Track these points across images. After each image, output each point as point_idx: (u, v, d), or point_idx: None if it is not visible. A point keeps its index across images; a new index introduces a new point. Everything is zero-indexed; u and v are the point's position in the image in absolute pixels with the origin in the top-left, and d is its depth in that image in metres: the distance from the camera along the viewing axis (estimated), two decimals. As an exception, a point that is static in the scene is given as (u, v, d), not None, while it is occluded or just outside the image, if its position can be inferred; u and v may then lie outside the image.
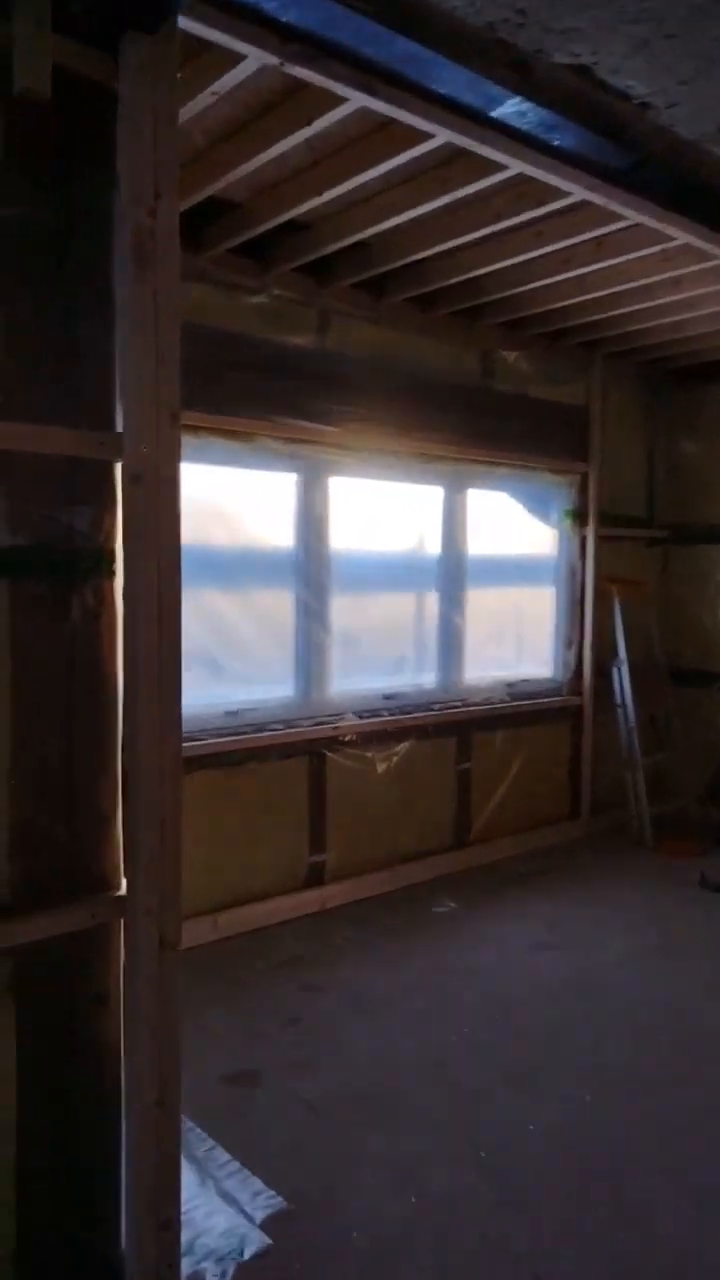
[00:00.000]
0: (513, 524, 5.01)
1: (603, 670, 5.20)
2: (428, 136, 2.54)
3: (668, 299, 4.01)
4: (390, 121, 2.60)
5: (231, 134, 2.71)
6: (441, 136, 2.50)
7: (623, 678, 5.11)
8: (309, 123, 2.47)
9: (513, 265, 3.70)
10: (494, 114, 2.40)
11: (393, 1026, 3.09)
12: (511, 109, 2.37)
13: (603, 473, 5.18)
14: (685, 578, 5.56)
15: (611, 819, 5.27)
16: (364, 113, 2.58)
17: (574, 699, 5.15)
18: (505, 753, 4.84)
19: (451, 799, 4.64)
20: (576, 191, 2.81)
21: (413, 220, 3.28)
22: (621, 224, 3.19)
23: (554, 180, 2.72)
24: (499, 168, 2.74)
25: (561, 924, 3.96)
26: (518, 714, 4.86)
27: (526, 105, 2.34)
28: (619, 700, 5.14)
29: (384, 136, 2.69)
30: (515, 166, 2.65)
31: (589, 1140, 2.49)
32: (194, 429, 3.53)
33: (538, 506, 5.11)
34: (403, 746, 4.38)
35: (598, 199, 2.83)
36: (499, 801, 4.82)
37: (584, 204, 3.14)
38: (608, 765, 5.25)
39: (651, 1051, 2.93)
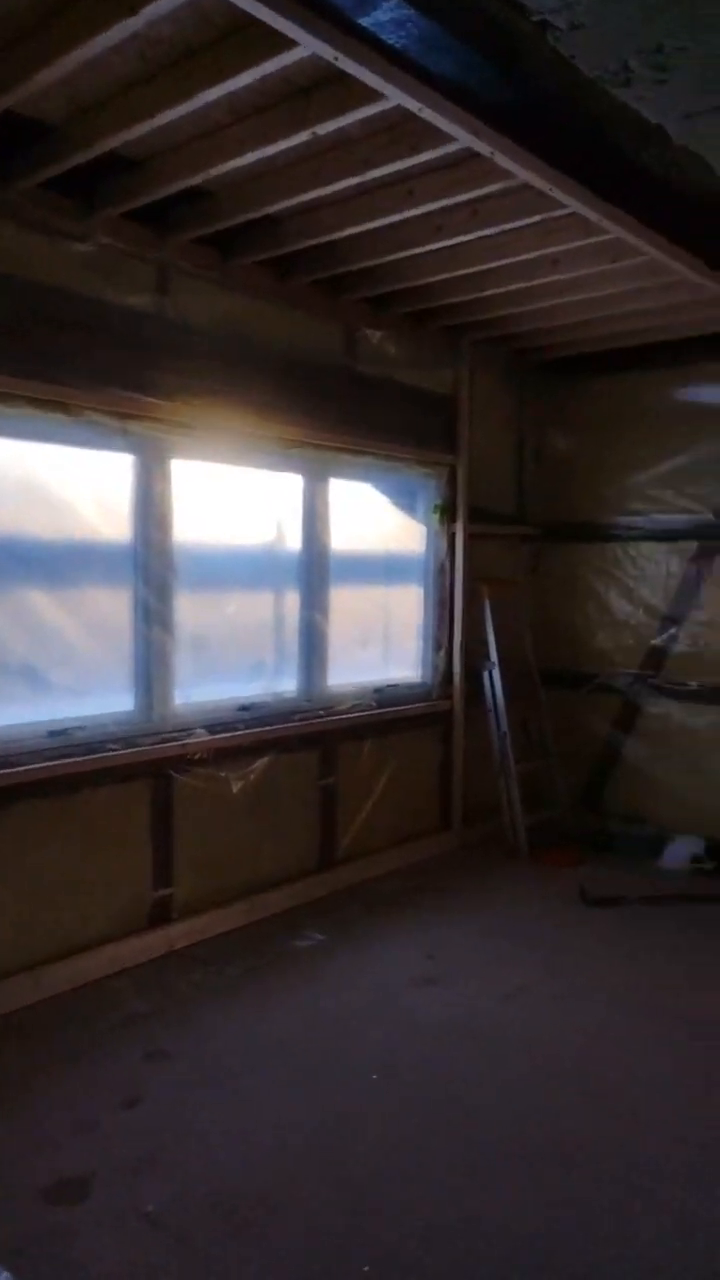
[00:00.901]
0: (378, 518, 4.66)
1: (474, 673, 4.94)
2: (287, 46, 2.11)
3: (544, 279, 3.74)
4: (240, 26, 2.16)
5: (38, 25, 2.18)
6: (303, 46, 2.07)
7: (494, 681, 4.86)
8: (134, 10, 1.98)
9: (379, 229, 3.32)
10: (366, 20, 2.00)
11: (253, 1101, 2.65)
12: (388, 15, 1.98)
13: (472, 466, 4.91)
14: (556, 577, 5.38)
15: (485, 829, 5.02)
16: (203, 12, 2.13)
17: (444, 704, 4.85)
18: (373, 763, 4.48)
19: (315, 817, 4.24)
20: (460, 136, 2.44)
21: (266, 163, 2.85)
22: (501, 184, 2.87)
23: (433, 117, 2.34)
24: (369, 99, 2.34)
25: (440, 951, 3.63)
26: (385, 721, 4.51)
27: (407, 11, 1.96)
28: (491, 705, 4.89)
29: (232, 45, 2.23)
30: (390, 95, 2.26)
31: (494, 1241, 2.13)
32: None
33: (405, 500, 4.79)
34: (261, 763, 3.94)
35: (482, 147, 2.48)
36: (367, 816, 4.46)
37: (463, 159, 2.81)
38: (481, 772, 5.00)
39: (557, 1116, 2.59)
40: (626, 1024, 3.09)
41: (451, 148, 2.61)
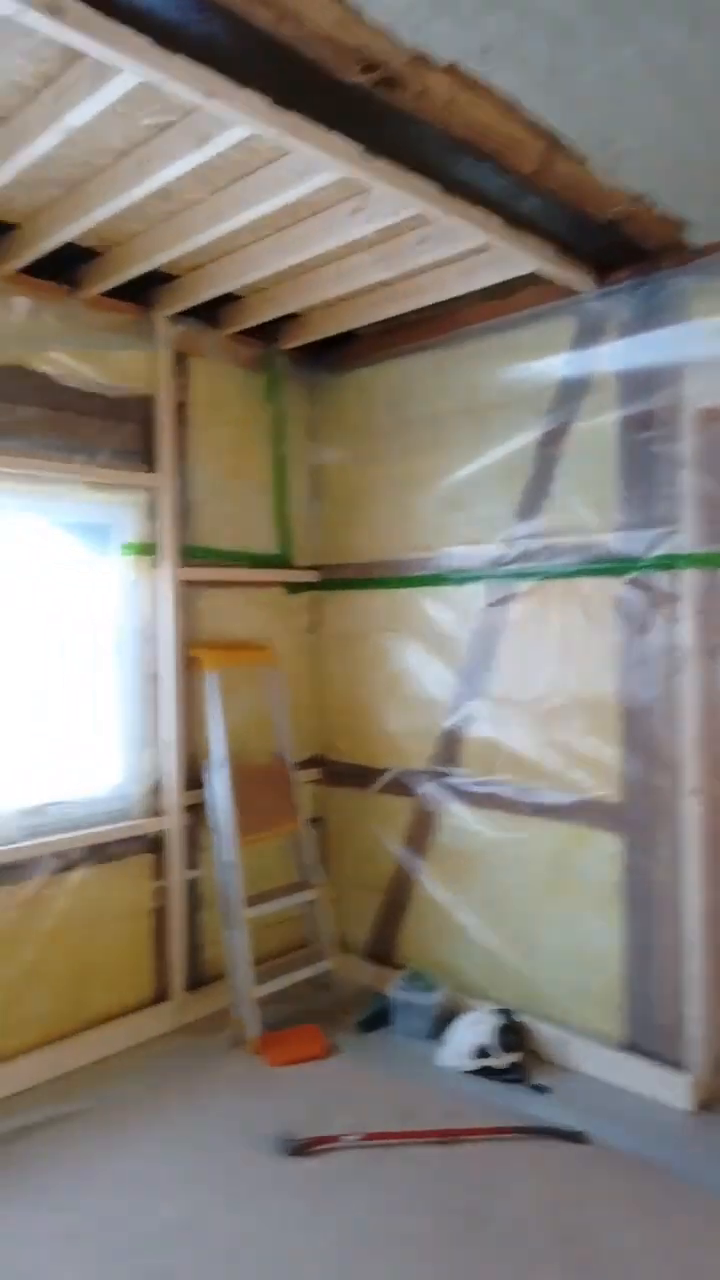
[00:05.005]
0: (45, 563, 3.32)
1: (202, 778, 3.55)
2: None
3: (138, 184, 2.45)
4: None
5: None
6: None
7: (217, 788, 3.45)
8: None
9: None
10: None
11: None
12: None
13: (198, 489, 3.59)
14: (333, 639, 4.00)
15: (225, 997, 3.57)
16: None
17: (153, 823, 3.44)
18: (25, 917, 3.07)
19: None
20: None
21: None
22: None
23: None
24: None
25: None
26: (52, 854, 3.11)
27: None
28: (214, 822, 3.47)
29: None
30: None
31: None
32: None
33: (91, 538, 3.45)
34: None
35: None
36: (6, 1003, 3.03)
37: None
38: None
39: None
40: None
41: None
